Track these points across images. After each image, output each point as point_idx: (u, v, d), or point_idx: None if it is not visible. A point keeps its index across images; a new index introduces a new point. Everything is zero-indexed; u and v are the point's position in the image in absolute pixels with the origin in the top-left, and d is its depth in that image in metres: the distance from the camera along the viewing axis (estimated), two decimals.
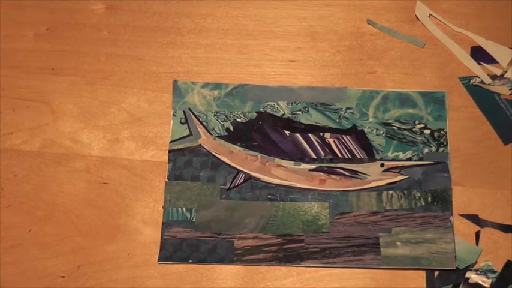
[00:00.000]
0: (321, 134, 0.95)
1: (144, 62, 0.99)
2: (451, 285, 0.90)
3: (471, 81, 0.97)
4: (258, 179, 0.94)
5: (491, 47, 0.98)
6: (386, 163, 0.93)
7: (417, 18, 0.99)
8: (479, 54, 0.98)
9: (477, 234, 0.91)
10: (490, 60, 0.98)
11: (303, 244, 0.91)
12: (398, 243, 0.90)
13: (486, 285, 0.89)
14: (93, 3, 1.01)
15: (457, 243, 0.90)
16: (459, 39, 0.99)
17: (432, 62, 0.98)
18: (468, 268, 0.90)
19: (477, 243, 0.91)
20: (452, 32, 0.99)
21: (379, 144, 0.94)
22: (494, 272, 0.90)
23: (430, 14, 0.99)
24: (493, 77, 0.97)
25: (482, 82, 0.97)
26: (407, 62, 0.98)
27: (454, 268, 0.89)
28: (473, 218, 0.92)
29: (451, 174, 0.93)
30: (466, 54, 0.98)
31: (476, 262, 0.90)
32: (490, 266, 0.90)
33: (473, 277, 0.90)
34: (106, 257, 0.92)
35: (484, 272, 0.90)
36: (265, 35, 1.00)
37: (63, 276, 0.91)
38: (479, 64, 0.98)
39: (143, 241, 0.92)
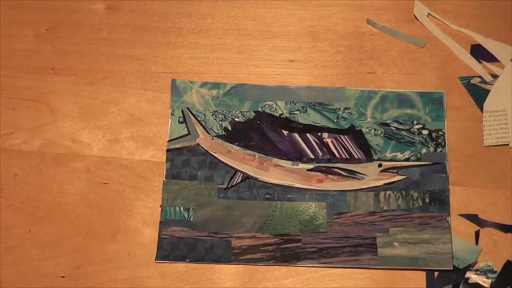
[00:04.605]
0: (319, 134, 0.95)
1: (144, 62, 0.99)
2: (451, 285, 0.90)
3: (471, 81, 0.96)
4: (255, 179, 0.94)
5: (491, 45, 0.98)
6: (384, 163, 0.93)
7: (416, 18, 0.99)
8: (479, 53, 0.98)
9: (477, 234, 0.91)
10: (491, 58, 0.98)
11: (300, 244, 0.91)
12: (396, 244, 0.90)
13: (486, 285, 0.89)
14: (93, 3, 1.01)
15: (456, 243, 0.90)
16: (459, 38, 0.99)
17: (432, 62, 0.98)
18: (468, 268, 0.90)
19: (477, 243, 0.91)
20: (451, 31, 0.99)
21: (377, 145, 0.94)
22: (494, 272, 0.90)
23: (428, 14, 0.99)
24: (494, 77, 0.97)
25: (482, 82, 0.96)
26: (407, 62, 0.98)
27: (451, 269, 0.89)
28: (473, 218, 0.92)
29: (451, 174, 0.93)
30: (466, 52, 0.98)
31: (476, 262, 0.90)
32: (489, 266, 0.90)
33: (473, 277, 0.89)
34: (106, 257, 0.92)
35: (483, 272, 0.90)
36: (265, 35, 1.00)
37: (63, 276, 0.91)
38: (480, 62, 0.97)
39: (143, 241, 0.92)
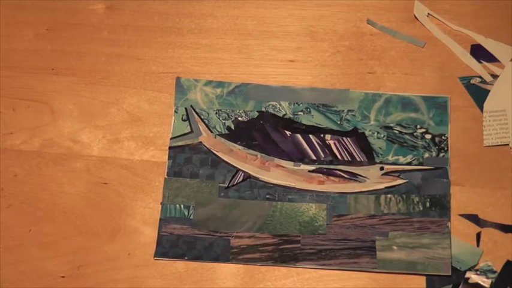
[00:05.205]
0: (322, 135, 0.95)
1: (144, 62, 0.99)
2: (451, 285, 0.90)
3: (471, 81, 0.96)
4: (257, 178, 0.94)
5: (491, 45, 0.98)
6: (386, 167, 0.93)
7: (416, 18, 0.99)
8: (479, 53, 0.98)
9: (478, 236, 0.91)
10: (491, 58, 0.98)
11: (299, 245, 0.91)
12: (395, 248, 0.90)
13: (486, 285, 0.89)
14: (93, 3, 1.01)
15: (457, 245, 0.90)
16: (459, 38, 0.99)
17: (432, 62, 0.98)
18: (468, 268, 0.90)
19: (478, 245, 0.91)
20: (451, 31, 0.99)
21: (380, 148, 0.94)
22: (494, 272, 0.90)
23: (428, 14, 0.99)
24: (494, 77, 0.97)
25: (482, 82, 0.96)
26: (407, 62, 0.98)
27: (450, 274, 0.89)
28: (473, 218, 0.92)
29: (451, 174, 0.93)
30: (466, 52, 0.98)
31: (477, 263, 0.90)
32: (489, 266, 0.90)
33: (473, 277, 0.89)
34: (106, 257, 0.92)
35: (483, 272, 0.90)
36: (265, 35, 1.00)
37: (63, 276, 0.91)
38: (480, 62, 0.97)
39: (143, 241, 0.92)
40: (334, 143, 0.95)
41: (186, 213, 0.93)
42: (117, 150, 0.95)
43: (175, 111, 0.96)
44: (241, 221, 0.92)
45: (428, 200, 0.92)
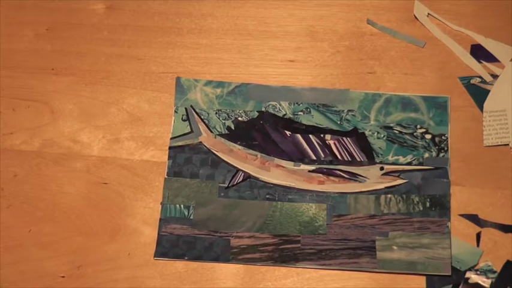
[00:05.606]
0: (322, 135, 0.95)
1: (144, 62, 0.99)
2: (451, 285, 0.89)
3: (471, 81, 0.96)
4: (257, 178, 0.94)
5: (491, 45, 0.98)
6: (386, 167, 0.93)
7: (416, 18, 0.99)
8: (479, 53, 0.98)
9: (478, 236, 0.91)
10: (490, 58, 0.98)
11: (299, 245, 0.91)
12: (395, 248, 0.90)
13: (486, 285, 0.89)
14: (93, 3, 1.01)
15: (458, 245, 0.90)
16: (459, 38, 0.99)
17: (432, 62, 0.98)
18: (468, 268, 0.90)
19: (478, 245, 0.91)
20: (452, 31, 0.99)
21: (380, 148, 0.94)
22: (494, 272, 0.90)
23: (428, 14, 0.99)
24: (494, 77, 0.97)
25: (482, 82, 0.96)
26: (407, 62, 0.98)
27: (450, 274, 0.89)
28: (473, 218, 0.92)
29: (451, 174, 0.93)
30: (466, 52, 0.98)
31: (477, 263, 0.90)
32: (489, 266, 0.90)
33: (473, 277, 0.89)
34: (106, 257, 0.92)
35: (483, 272, 0.90)
36: (265, 35, 1.00)
37: (63, 276, 0.91)
38: (480, 62, 0.97)
39: (143, 241, 0.92)
40: (334, 143, 0.95)
41: (186, 213, 0.93)
42: (117, 150, 0.95)
43: (175, 111, 0.96)
44: (241, 221, 0.92)
45: (428, 200, 0.92)
